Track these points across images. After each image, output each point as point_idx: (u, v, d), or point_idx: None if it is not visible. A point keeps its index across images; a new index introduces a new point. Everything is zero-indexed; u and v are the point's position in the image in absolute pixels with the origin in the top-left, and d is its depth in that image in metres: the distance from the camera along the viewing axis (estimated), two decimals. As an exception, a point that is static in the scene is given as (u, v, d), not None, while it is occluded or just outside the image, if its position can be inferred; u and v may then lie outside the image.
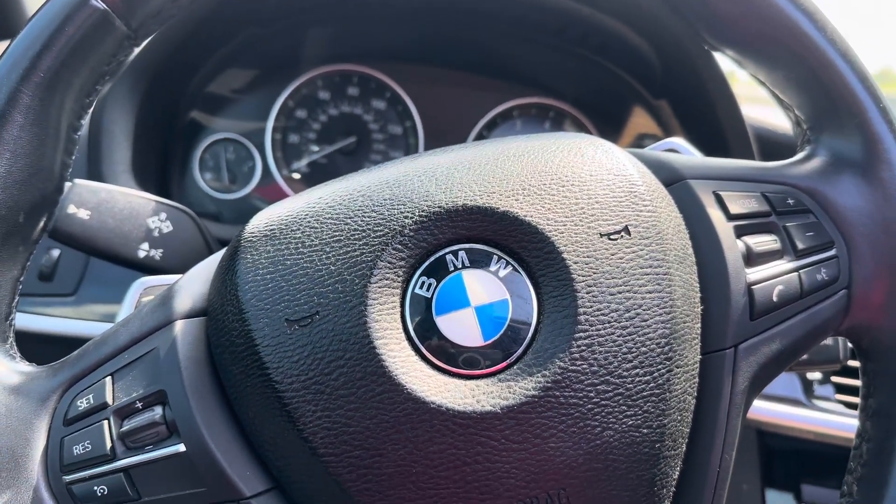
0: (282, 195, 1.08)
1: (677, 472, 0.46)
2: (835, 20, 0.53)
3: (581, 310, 0.43)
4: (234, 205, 1.08)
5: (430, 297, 0.44)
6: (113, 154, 0.94)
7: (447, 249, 0.45)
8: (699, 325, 0.47)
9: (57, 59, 0.47)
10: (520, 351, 0.43)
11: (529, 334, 0.44)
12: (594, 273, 0.44)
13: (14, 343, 0.50)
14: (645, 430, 0.44)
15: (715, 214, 0.50)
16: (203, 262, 0.52)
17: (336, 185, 0.49)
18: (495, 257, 0.45)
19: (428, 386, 0.42)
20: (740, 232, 0.50)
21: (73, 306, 0.92)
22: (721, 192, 0.51)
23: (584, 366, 0.43)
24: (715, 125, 0.98)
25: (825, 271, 0.51)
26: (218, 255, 0.51)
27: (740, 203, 0.51)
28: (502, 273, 0.45)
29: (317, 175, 1.10)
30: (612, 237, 0.45)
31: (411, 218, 0.45)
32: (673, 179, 0.51)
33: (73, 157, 0.51)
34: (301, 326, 0.43)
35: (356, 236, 0.45)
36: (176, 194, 1.06)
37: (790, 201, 0.52)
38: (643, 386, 0.44)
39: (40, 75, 0.47)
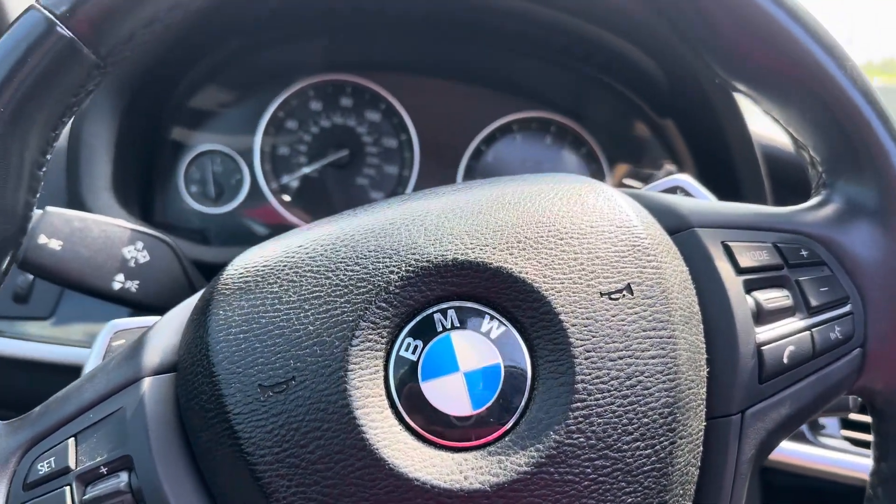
0: (270, 210, 1.04)
1: None
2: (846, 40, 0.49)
3: (579, 377, 0.40)
4: (220, 220, 1.04)
5: (416, 360, 0.41)
6: (93, 169, 0.90)
7: (435, 308, 0.42)
8: (704, 390, 0.44)
9: (18, 91, 0.43)
10: (512, 421, 0.40)
11: (522, 403, 0.41)
12: (593, 336, 0.41)
13: None
14: None
15: (724, 268, 0.47)
16: (175, 309, 0.49)
17: (318, 230, 0.46)
18: (487, 317, 0.42)
19: (412, 460, 0.39)
20: (750, 286, 0.47)
21: (49, 329, 0.88)
22: (730, 243, 0.48)
23: (581, 439, 0.39)
24: (722, 146, 0.94)
25: (839, 329, 0.48)
26: (191, 302, 0.48)
27: (750, 255, 0.48)
28: (494, 334, 0.41)
29: (307, 188, 1.06)
30: (612, 296, 0.42)
31: (397, 273, 0.41)
32: (679, 227, 0.48)
33: (38, 196, 0.47)
34: (276, 393, 0.40)
35: (337, 292, 0.41)
36: (160, 209, 1.02)
37: (803, 252, 0.49)
38: (644, 460, 0.41)
39: (0, 110, 0.43)
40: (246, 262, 0.45)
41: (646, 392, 0.41)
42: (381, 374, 0.41)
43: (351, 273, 0.42)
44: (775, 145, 0.98)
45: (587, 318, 0.41)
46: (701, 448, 0.44)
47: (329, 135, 1.06)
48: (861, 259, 0.49)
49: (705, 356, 0.44)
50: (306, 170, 1.05)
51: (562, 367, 0.41)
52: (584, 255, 0.43)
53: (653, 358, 0.42)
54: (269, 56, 1.03)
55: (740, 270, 0.47)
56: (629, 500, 0.40)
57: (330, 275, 0.42)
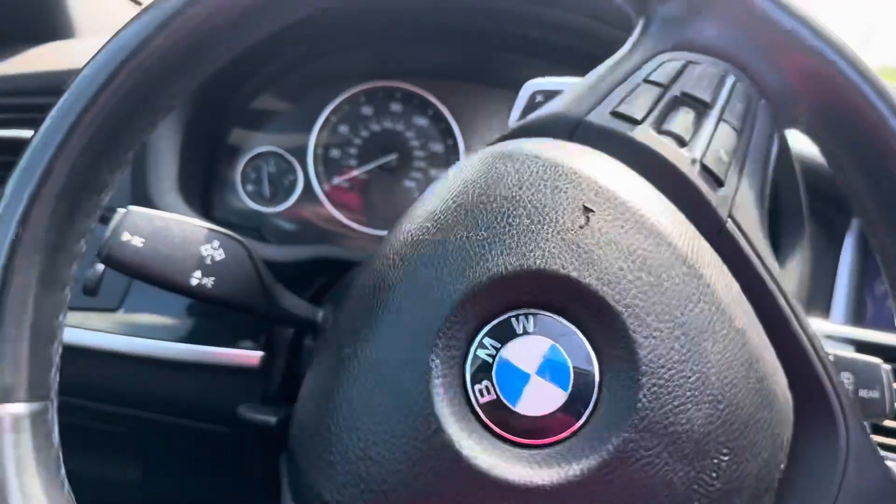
0: (322, 209, 1.09)
1: None
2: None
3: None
4: (274, 218, 1.09)
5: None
6: (160, 171, 0.94)
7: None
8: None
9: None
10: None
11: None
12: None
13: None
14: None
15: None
16: None
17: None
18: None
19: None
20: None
21: (117, 320, 0.93)
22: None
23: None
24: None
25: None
26: None
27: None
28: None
29: (357, 190, 1.10)
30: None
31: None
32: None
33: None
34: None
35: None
36: (219, 208, 1.07)
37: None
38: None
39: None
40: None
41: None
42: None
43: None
44: (812, 157, 1.01)
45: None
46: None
47: (378, 139, 1.10)
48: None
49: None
50: (356, 172, 1.10)
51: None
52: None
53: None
54: (323, 64, 1.08)
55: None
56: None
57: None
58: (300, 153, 1.09)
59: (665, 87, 0.52)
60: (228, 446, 0.97)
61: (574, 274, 0.44)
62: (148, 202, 0.93)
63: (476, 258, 0.44)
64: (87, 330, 0.91)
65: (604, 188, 0.47)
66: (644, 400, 0.42)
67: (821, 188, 0.97)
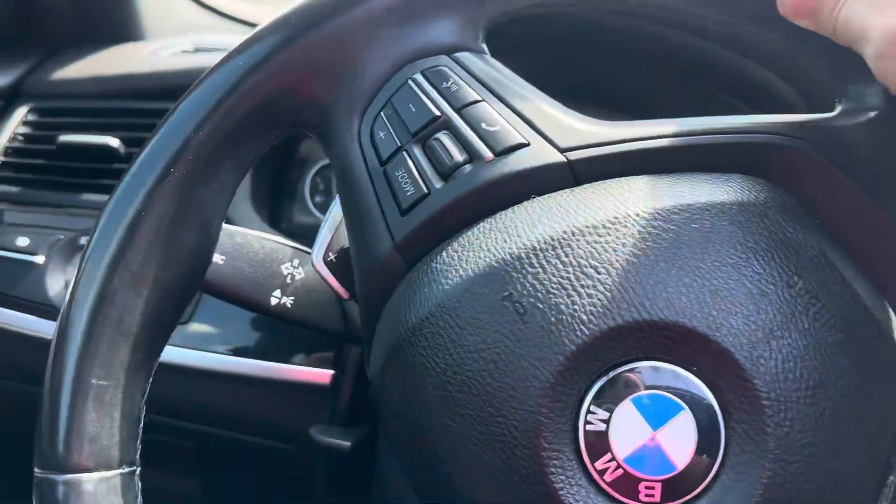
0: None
1: None
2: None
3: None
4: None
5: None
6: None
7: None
8: None
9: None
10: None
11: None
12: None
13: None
14: None
15: None
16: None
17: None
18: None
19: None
20: None
21: (187, 334, 0.91)
22: None
23: None
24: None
25: None
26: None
27: None
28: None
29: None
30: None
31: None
32: None
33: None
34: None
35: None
36: (287, 218, 1.05)
37: None
38: None
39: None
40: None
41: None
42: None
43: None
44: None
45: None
46: None
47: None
48: None
49: None
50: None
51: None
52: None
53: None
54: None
55: None
56: None
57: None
58: (370, 164, 1.06)
59: None
60: (293, 464, 0.95)
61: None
62: (222, 214, 0.91)
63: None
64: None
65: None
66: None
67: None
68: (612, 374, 0.41)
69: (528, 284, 0.41)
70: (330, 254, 0.63)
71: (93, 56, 1.07)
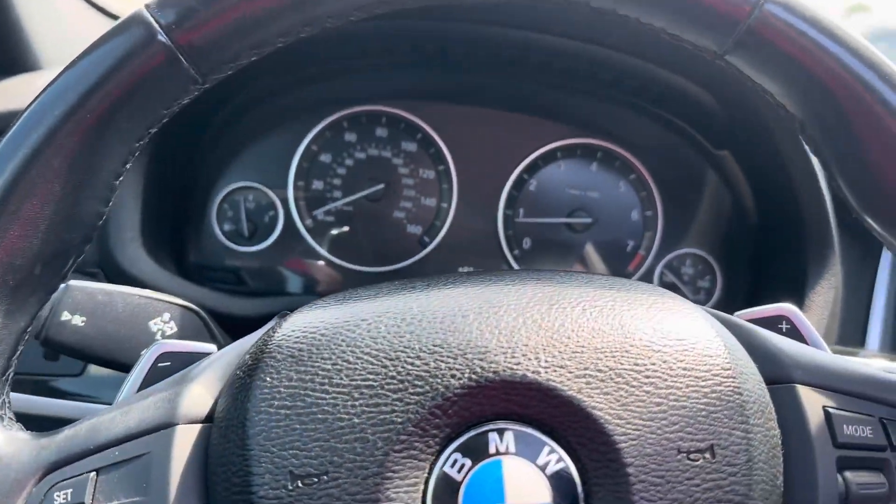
0: (306, 246, 1.01)
1: None
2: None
3: None
4: (255, 258, 1.01)
5: (460, 480, 0.38)
6: (121, 220, 0.87)
7: (492, 426, 0.39)
8: None
9: (109, 98, 0.41)
10: None
11: None
12: (661, 498, 0.37)
13: (9, 404, 0.45)
14: None
15: (820, 438, 0.42)
16: (226, 349, 0.48)
17: (385, 303, 0.44)
18: (547, 448, 0.38)
19: None
20: (844, 464, 0.42)
21: (81, 386, 0.86)
22: (832, 410, 0.43)
23: None
24: (785, 181, 0.87)
25: None
26: (242, 346, 0.47)
27: (853, 428, 0.43)
28: (551, 469, 0.38)
29: (343, 223, 1.02)
30: (691, 456, 0.38)
31: (459, 378, 0.38)
32: (779, 378, 0.43)
33: (109, 205, 0.46)
34: (305, 485, 0.38)
35: (391, 385, 0.39)
36: (193, 250, 0.99)
37: None
38: None
39: (87, 116, 0.41)
40: (304, 324, 0.43)
41: None
42: (421, 488, 0.38)
43: (410, 367, 0.39)
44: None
45: (659, 476, 0.37)
46: None
47: (364, 167, 1.02)
48: None
49: None
50: (340, 203, 1.01)
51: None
52: (669, 400, 0.39)
53: None
54: (302, 90, 0.99)
55: (837, 444, 0.42)
56: None
57: (388, 364, 0.39)
58: (280, 187, 1.01)
59: (889, 449, 0.44)
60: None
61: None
62: (109, 256, 0.86)
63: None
64: (47, 397, 0.85)
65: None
66: None
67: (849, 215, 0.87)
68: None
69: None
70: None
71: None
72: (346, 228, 1.01)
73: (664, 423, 0.38)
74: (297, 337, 0.42)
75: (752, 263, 0.97)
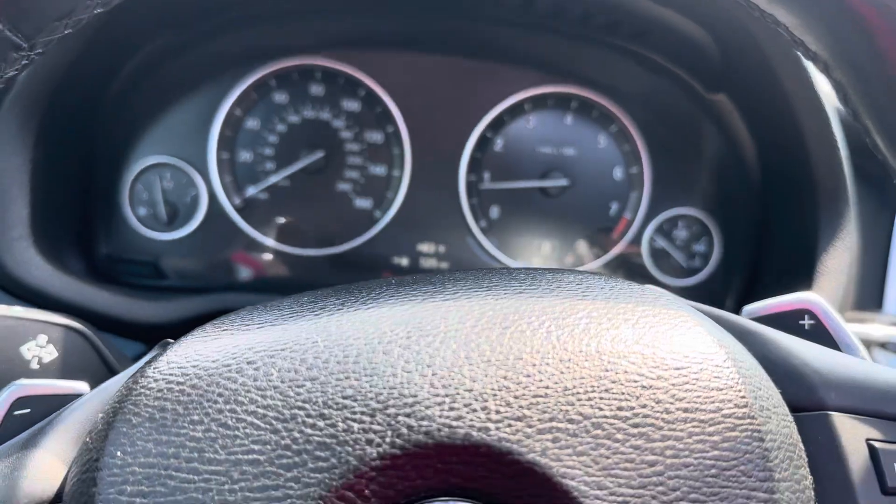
0: (236, 230, 0.86)
1: None
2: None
3: None
4: (176, 247, 0.86)
5: None
6: (5, 217, 0.72)
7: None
8: None
9: None
10: None
11: None
12: None
13: None
14: None
15: (864, 485, 0.33)
16: (97, 391, 0.38)
17: (282, 333, 0.34)
18: None
19: None
20: None
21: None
22: (879, 445, 0.34)
23: None
24: (791, 125, 0.74)
25: None
26: (115, 384, 0.37)
27: None
28: None
29: (278, 202, 0.87)
30: None
31: (379, 445, 0.29)
32: (807, 405, 0.35)
33: None
34: None
35: (285, 460, 0.29)
36: (103, 241, 0.85)
37: None
38: None
39: None
40: (170, 370, 0.33)
41: None
42: None
43: (310, 431, 0.29)
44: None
45: None
46: None
47: (300, 133, 0.87)
48: None
49: None
50: (275, 178, 0.86)
51: None
52: (667, 458, 0.30)
53: None
54: (216, 43, 0.83)
55: (888, 490, 0.33)
56: None
57: (280, 428, 0.30)
58: (201, 161, 0.86)
59: None
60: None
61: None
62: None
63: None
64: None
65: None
66: None
67: (867, 157, 0.75)
68: None
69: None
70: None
71: None
72: (282, 207, 0.87)
73: (660, 491, 0.29)
74: (161, 390, 0.32)
75: (754, 223, 0.85)
